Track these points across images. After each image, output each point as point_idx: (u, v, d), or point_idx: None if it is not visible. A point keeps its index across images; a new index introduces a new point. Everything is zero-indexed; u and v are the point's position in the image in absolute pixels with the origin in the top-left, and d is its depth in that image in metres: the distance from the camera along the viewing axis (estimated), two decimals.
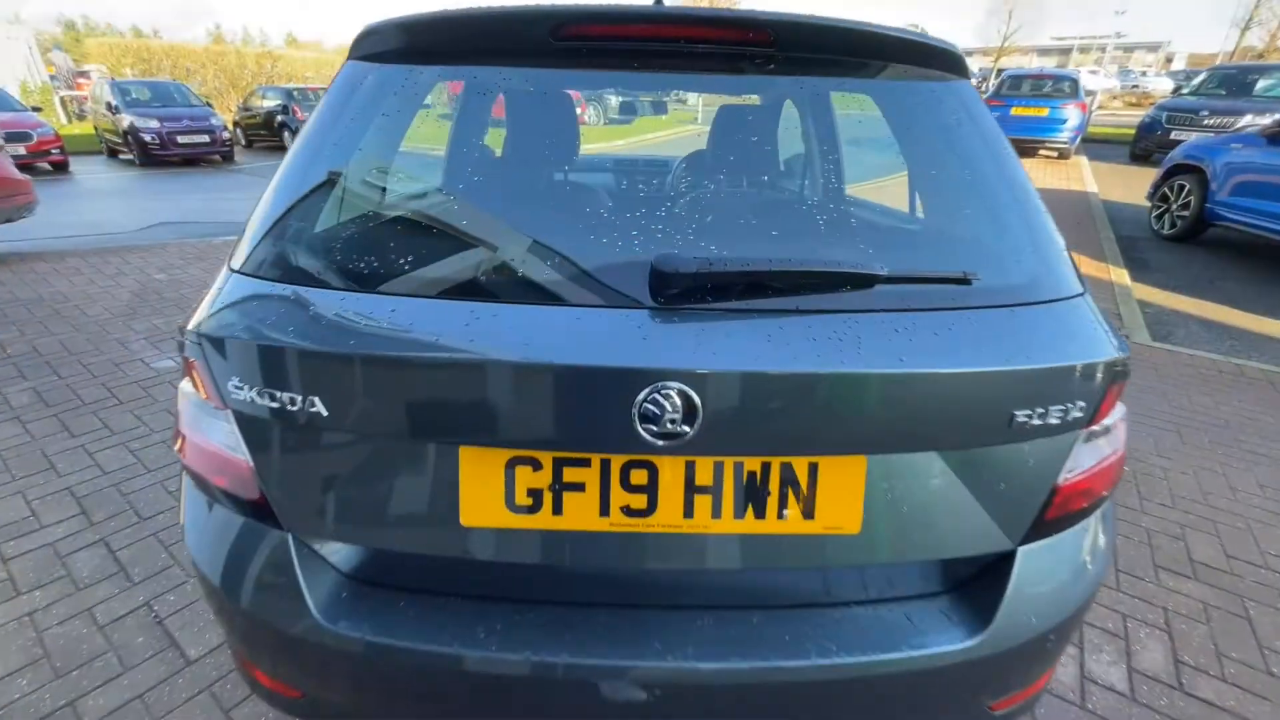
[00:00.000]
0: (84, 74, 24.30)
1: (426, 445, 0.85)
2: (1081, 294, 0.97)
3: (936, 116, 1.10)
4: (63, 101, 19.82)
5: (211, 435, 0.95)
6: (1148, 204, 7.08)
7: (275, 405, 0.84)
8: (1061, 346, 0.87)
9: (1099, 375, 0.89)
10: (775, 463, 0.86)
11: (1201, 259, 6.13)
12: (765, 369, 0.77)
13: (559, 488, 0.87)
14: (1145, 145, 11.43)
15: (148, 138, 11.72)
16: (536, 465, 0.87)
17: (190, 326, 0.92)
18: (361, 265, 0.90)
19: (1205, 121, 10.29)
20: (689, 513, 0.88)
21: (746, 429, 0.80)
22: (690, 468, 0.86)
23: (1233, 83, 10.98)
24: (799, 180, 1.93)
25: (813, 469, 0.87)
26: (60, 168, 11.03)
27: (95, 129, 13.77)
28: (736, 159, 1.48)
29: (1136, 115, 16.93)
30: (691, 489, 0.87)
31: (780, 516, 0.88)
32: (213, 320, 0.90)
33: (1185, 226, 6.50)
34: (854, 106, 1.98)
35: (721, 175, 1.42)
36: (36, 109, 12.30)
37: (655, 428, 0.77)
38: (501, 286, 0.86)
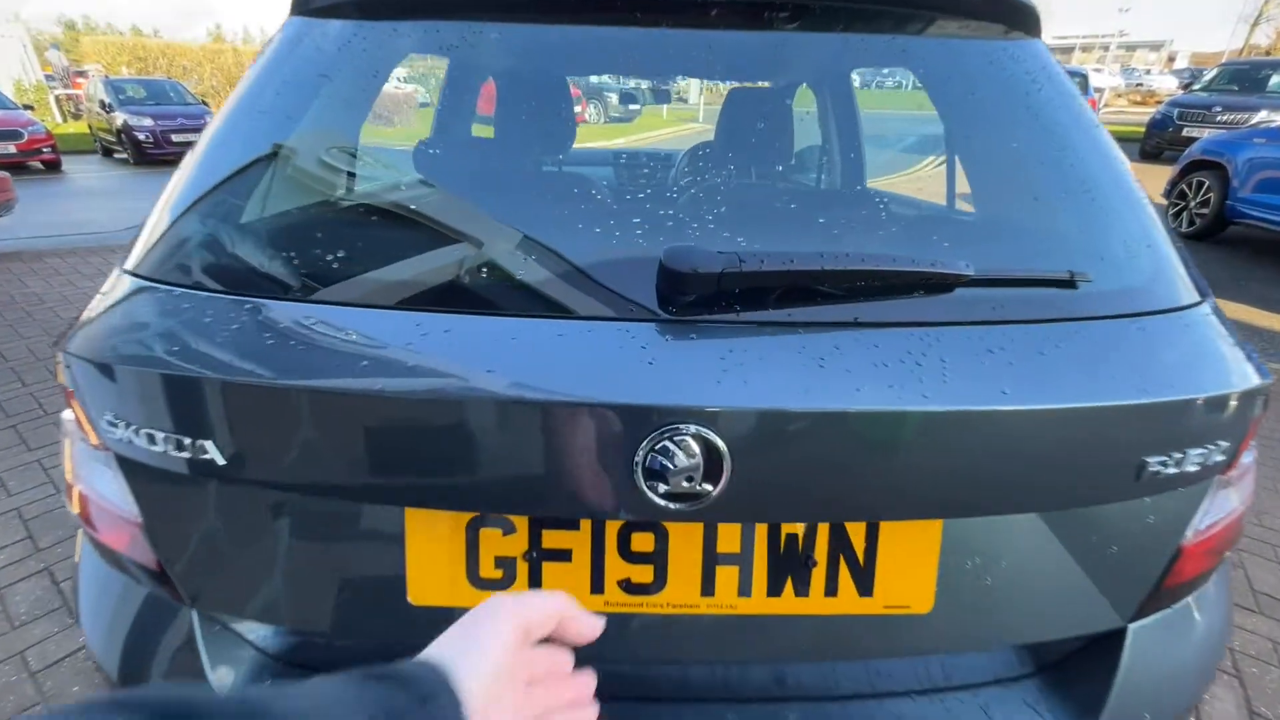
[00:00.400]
0: (82, 73, 24.12)
1: (359, 505, 0.64)
2: (1204, 299, 0.76)
3: (1009, 82, 0.89)
4: (58, 100, 19.62)
5: (95, 482, 0.74)
6: (1164, 201, 6.84)
7: (157, 449, 0.63)
8: (1199, 369, 0.66)
9: (1242, 407, 0.68)
10: (824, 526, 0.65)
11: (1222, 258, 5.91)
12: (817, 406, 0.56)
13: (537, 556, 0.66)
14: (1156, 142, 11.19)
15: (142, 136, 11.51)
16: (508, 528, 0.66)
17: (64, 344, 0.71)
18: (280, 264, 0.69)
19: (1218, 118, 10.06)
20: (708, 589, 0.67)
21: (791, 488, 0.59)
22: (711, 531, 0.65)
23: (1245, 78, 10.76)
24: (825, 168, 1.72)
25: (872, 532, 0.66)
26: (52, 166, 10.83)
27: (89, 128, 13.58)
28: (754, 140, 1.27)
29: (1142, 113, 16.69)
30: (712, 558, 0.66)
31: (829, 593, 0.67)
32: (85, 335, 0.69)
33: (1204, 224, 6.28)
34: (870, 102, 1.80)
35: (738, 161, 1.21)
36: (29, 107, 12.13)
37: (666, 486, 0.56)
38: (458, 291, 0.65)
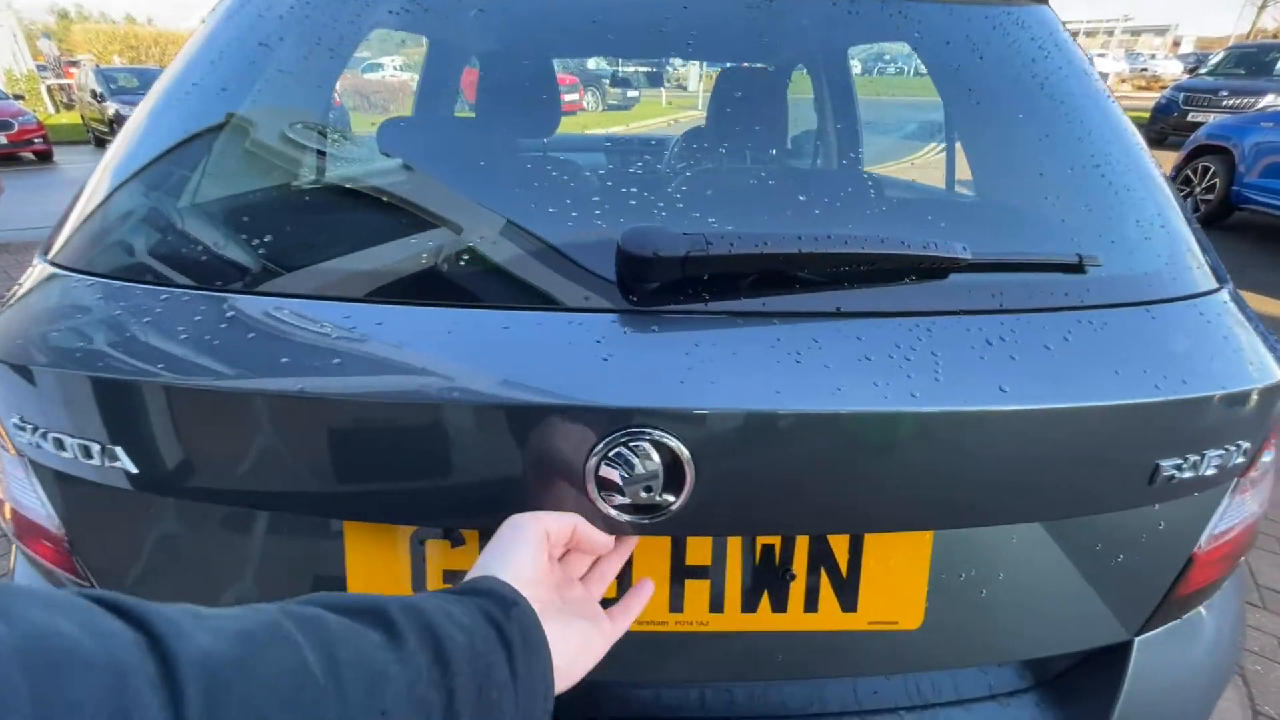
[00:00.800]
0: (74, 63, 23.85)
1: (291, 518, 0.59)
2: (1223, 285, 0.70)
3: (1015, 50, 0.83)
4: (50, 90, 19.40)
5: (15, 489, 0.68)
6: None
7: (66, 455, 0.57)
8: (1219, 363, 0.60)
9: (1265, 404, 0.62)
10: (803, 538, 0.59)
11: (1226, 245, 5.82)
12: (793, 407, 0.50)
13: None
14: (1161, 127, 11.03)
15: None
16: (457, 539, 0.60)
17: None
18: (200, 253, 0.63)
19: (1225, 102, 9.91)
20: (677, 605, 0.61)
21: (762, 499, 0.53)
22: (679, 542, 0.60)
23: (1252, 62, 10.58)
24: (820, 152, 1.66)
25: (855, 544, 0.60)
26: (44, 157, 10.71)
27: (82, 118, 13.44)
28: (745, 122, 1.20)
29: (1147, 98, 16.47)
30: (680, 571, 0.61)
31: (809, 609, 0.61)
32: None
33: (1209, 210, 6.18)
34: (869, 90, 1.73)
35: (726, 143, 1.14)
36: (19, 97, 12.01)
37: (622, 499, 0.50)
38: (391, 280, 0.58)
